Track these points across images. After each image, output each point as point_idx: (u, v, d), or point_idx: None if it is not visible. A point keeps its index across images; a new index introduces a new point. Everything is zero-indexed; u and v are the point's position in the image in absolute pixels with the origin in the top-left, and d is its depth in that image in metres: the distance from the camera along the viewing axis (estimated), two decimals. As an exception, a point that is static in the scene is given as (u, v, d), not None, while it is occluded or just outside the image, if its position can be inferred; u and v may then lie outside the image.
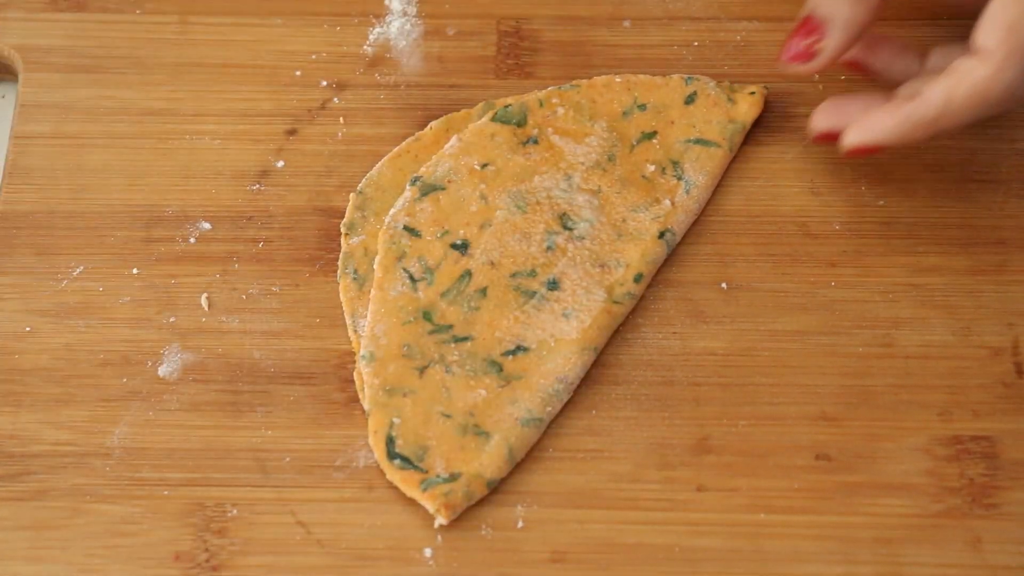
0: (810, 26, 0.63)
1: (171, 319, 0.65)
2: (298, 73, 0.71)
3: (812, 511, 0.61)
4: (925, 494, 0.61)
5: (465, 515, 0.61)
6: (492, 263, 0.65)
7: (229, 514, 0.61)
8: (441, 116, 0.69)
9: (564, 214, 0.66)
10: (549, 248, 0.65)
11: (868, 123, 0.63)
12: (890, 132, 0.62)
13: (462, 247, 0.65)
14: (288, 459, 0.62)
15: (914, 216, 0.68)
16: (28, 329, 0.65)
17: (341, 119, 0.70)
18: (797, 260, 0.67)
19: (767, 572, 0.60)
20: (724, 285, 0.66)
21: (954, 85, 0.60)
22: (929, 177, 0.69)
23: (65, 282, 0.66)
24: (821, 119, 0.66)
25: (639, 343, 0.65)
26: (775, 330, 0.65)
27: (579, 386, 0.63)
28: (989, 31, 0.59)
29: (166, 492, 0.62)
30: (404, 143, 0.68)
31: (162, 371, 0.64)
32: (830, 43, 0.63)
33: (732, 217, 0.68)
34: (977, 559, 0.60)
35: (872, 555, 0.60)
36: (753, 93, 0.69)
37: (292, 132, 0.70)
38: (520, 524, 0.61)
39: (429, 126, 0.69)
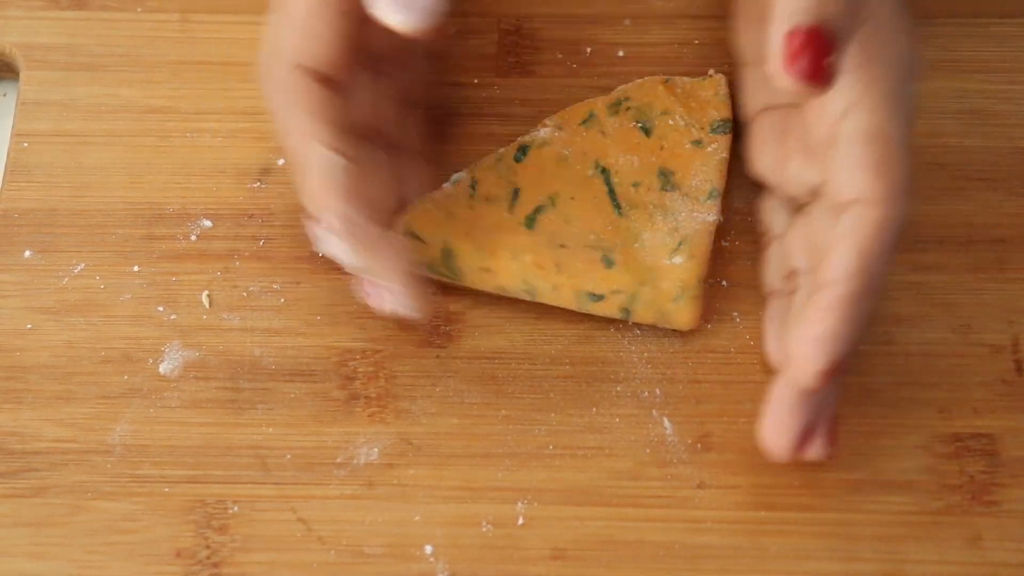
0: (821, 40, 0.51)
1: (172, 316, 0.65)
2: (299, 71, 0.71)
3: (812, 508, 0.61)
4: (925, 491, 0.61)
5: (466, 512, 0.61)
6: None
7: (230, 511, 0.61)
8: (441, 114, 0.69)
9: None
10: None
11: (807, 349, 0.55)
12: (838, 338, 0.54)
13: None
14: (289, 456, 0.62)
15: (914, 214, 0.68)
16: (29, 326, 0.65)
17: (342, 117, 0.70)
18: (797, 258, 0.67)
19: (767, 569, 0.60)
20: (724, 283, 0.66)
21: (858, 245, 0.54)
22: (929, 175, 0.69)
23: (66, 279, 0.66)
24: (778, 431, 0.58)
25: (639, 340, 0.65)
26: (775, 328, 0.65)
27: (579, 383, 0.63)
28: (854, 177, 0.54)
29: (167, 489, 0.62)
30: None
31: (163, 368, 0.64)
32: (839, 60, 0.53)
33: (732, 215, 0.68)
34: (977, 556, 0.60)
35: (872, 552, 0.60)
36: (711, 75, 0.69)
37: (293, 130, 0.70)
38: (520, 521, 0.61)
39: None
